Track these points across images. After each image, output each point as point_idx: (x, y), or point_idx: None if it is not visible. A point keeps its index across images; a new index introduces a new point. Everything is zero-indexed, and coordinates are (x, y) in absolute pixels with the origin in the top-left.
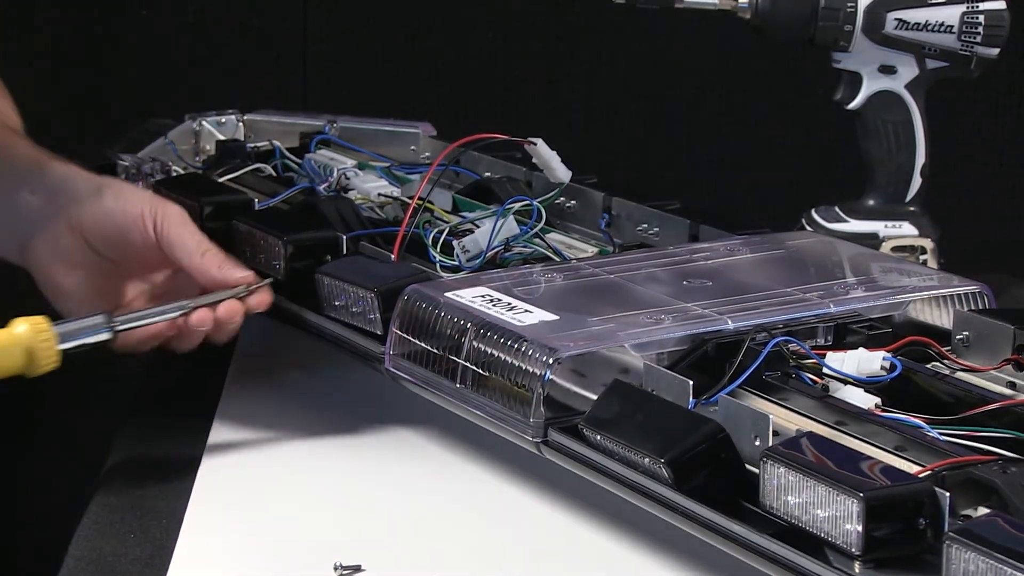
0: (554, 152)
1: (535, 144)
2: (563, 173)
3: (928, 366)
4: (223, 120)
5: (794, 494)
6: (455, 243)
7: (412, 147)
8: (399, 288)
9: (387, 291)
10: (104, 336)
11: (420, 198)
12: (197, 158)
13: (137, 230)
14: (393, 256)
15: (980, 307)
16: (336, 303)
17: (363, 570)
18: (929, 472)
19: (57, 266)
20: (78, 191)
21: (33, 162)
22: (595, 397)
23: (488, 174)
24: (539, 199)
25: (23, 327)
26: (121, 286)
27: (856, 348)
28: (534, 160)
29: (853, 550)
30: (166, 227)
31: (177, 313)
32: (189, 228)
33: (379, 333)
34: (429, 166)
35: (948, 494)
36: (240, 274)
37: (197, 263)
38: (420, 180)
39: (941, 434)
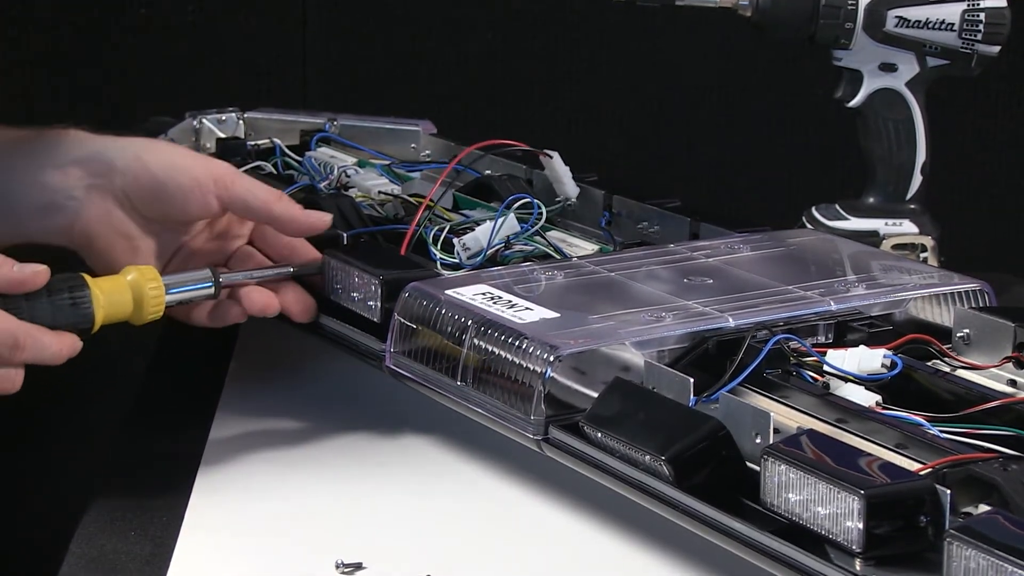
0: (567, 168)
1: (551, 157)
2: (571, 189)
3: (929, 364)
4: (223, 118)
5: (795, 491)
6: (456, 241)
7: (412, 145)
8: (404, 280)
9: (392, 280)
10: (208, 290)
11: (432, 200)
12: None
13: (195, 201)
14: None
15: (981, 305)
16: (337, 286)
17: (364, 568)
18: (930, 470)
19: (114, 238)
20: (114, 161)
21: (51, 137)
22: (596, 395)
23: (489, 172)
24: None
25: (133, 275)
26: (174, 243)
27: (857, 346)
28: (545, 172)
29: (854, 547)
30: (229, 190)
31: (275, 274)
32: (252, 181)
33: (376, 321)
34: (429, 164)
35: (949, 491)
36: (322, 215)
37: (278, 212)
38: (423, 178)
39: (942, 432)
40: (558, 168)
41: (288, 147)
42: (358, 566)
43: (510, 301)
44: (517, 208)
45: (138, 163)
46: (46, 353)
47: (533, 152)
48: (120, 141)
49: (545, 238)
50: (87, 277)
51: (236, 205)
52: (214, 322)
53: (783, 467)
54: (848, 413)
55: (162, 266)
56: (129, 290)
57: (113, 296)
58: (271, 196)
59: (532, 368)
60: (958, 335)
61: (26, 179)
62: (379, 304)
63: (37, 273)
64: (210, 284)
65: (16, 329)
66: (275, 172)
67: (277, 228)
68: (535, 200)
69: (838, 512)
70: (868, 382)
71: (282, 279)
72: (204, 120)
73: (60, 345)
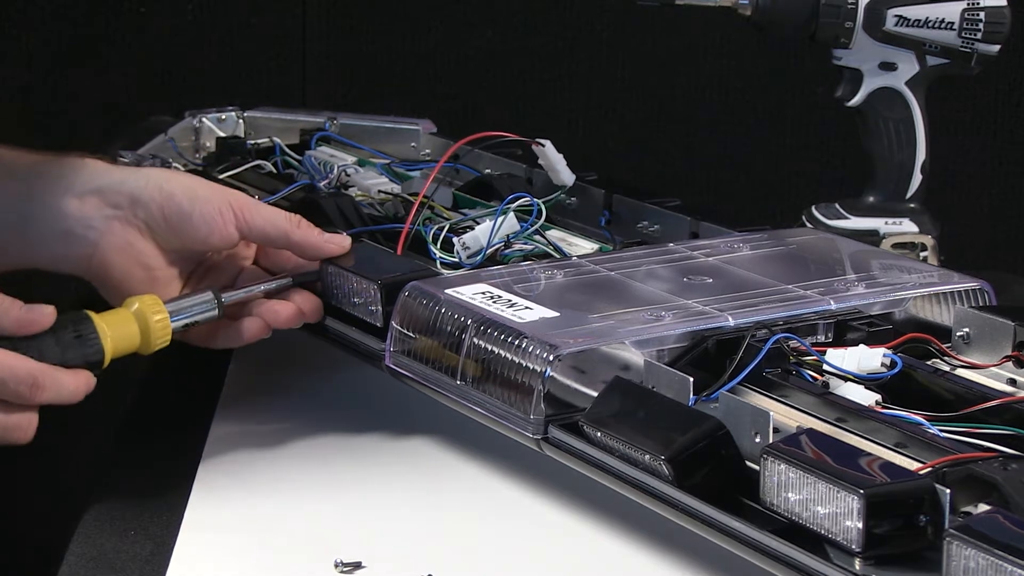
0: (561, 155)
1: (543, 146)
2: (567, 176)
3: (928, 363)
4: (223, 117)
5: (795, 491)
6: (455, 240)
7: (412, 144)
8: (402, 282)
9: (390, 284)
10: (212, 312)
11: (425, 196)
12: (197, 155)
13: (217, 231)
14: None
15: (980, 304)
16: (337, 292)
17: (363, 567)
18: (929, 469)
19: (131, 267)
20: (136, 191)
21: (69, 165)
22: (596, 394)
23: (489, 171)
24: (541, 200)
25: (136, 305)
26: (188, 271)
27: (856, 345)
28: (540, 161)
29: (854, 547)
30: (248, 219)
31: (276, 286)
32: (269, 209)
33: (379, 325)
34: (429, 163)
35: (948, 491)
36: (341, 239)
37: (297, 239)
38: (422, 176)
39: (941, 431)
40: (551, 156)
41: (288, 146)
42: (357, 565)
43: (510, 300)
44: (516, 207)
45: (162, 193)
46: (64, 392)
47: (526, 143)
48: (140, 172)
49: (545, 237)
50: (91, 314)
51: (255, 234)
52: (233, 342)
53: (783, 466)
54: (848, 412)
55: (176, 293)
56: (135, 321)
57: (119, 329)
58: (289, 224)
59: (532, 367)
60: (958, 334)
61: (44, 206)
62: (380, 308)
63: (45, 315)
64: (214, 306)
65: (34, 369)
66: (275, 171)
67: (296, 254)
68: (535, 199)
69: (838, 511)
70: (868, 381)
71: (283, 289)
72: (204, 119)
73: (77, 383)
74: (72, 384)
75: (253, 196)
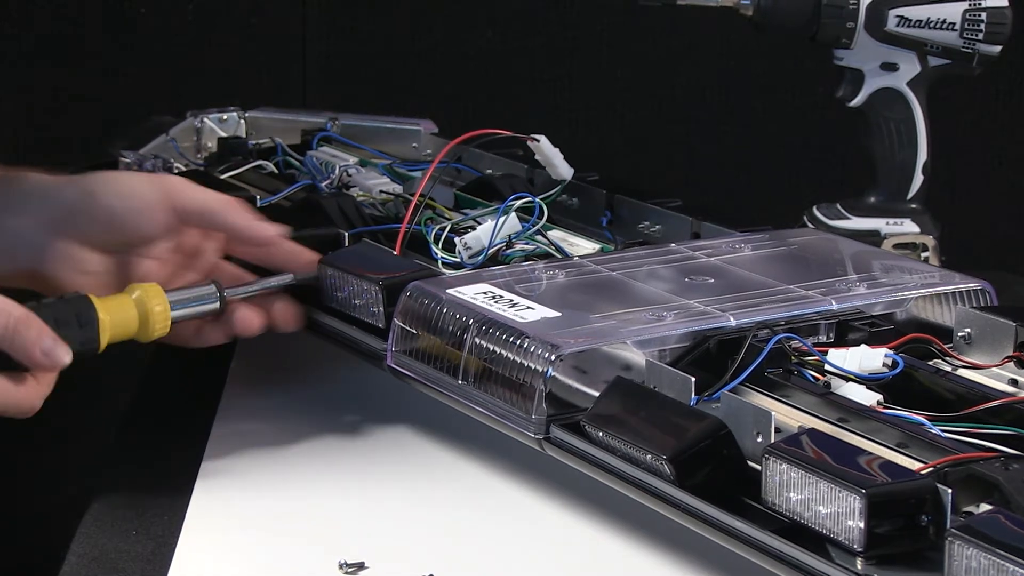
0: (556, 149)
1: (538, 141)
2: (565, 170)
3: (930, 363)
4: (225, 117)
5: (796, 491)
6: (457, 240)
7: (414, 144)
8: (404, 282)
9: (392, 285)
10: (213, 305)
11: (422, 195)
12: (199, 155)
13: (148, 221)
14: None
15: (982, 304)
16: (338, 294)
17: (366, 567)
18: (931, 469)
19: (75, 277)
20: (71, 202)
21: (7, 182)
22: (597, 394)
23: (490, 171)
24: (541, 196)
25: (137, 293)
26: (140, 268)
27: (858, 345)
28: (536, 157)
29: (855, 547)
30: (179, 200)
31: (277, 284)
32: (203, 191)
33: (381, 326)
34: (430, 163)
35: (950, 491)
36: (268, 227)
37: (230, 220)
38: (422, 177)
39: (943, 431)
40: (547, 151)
41: (289, 146)
42: (360, 566)
43: (511, 300)
44: (518, 207)
45: (91, 199)
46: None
47: (520, 138)
48: (75, 180)
49: (546, 237)
50: (92, 298)
51: (191, 216)
52: (199, 342)
53: (784, 466)
54: (849, 412)
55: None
56: (134, 308)
57: (118, 315)
58: (220, 203)
59: (533, 367)
60: (959, 334)
61: None
62: (382, 309)
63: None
64: (215, 299)
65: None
66: (276, 171)
67: (230, 236)
68: (536, 199)
69: (839, 511)
70: (869, 381)
71: (285, 286)
72: (206, 119)
73: (28, 394)
74: (23, 396)
75: (255, 196)
